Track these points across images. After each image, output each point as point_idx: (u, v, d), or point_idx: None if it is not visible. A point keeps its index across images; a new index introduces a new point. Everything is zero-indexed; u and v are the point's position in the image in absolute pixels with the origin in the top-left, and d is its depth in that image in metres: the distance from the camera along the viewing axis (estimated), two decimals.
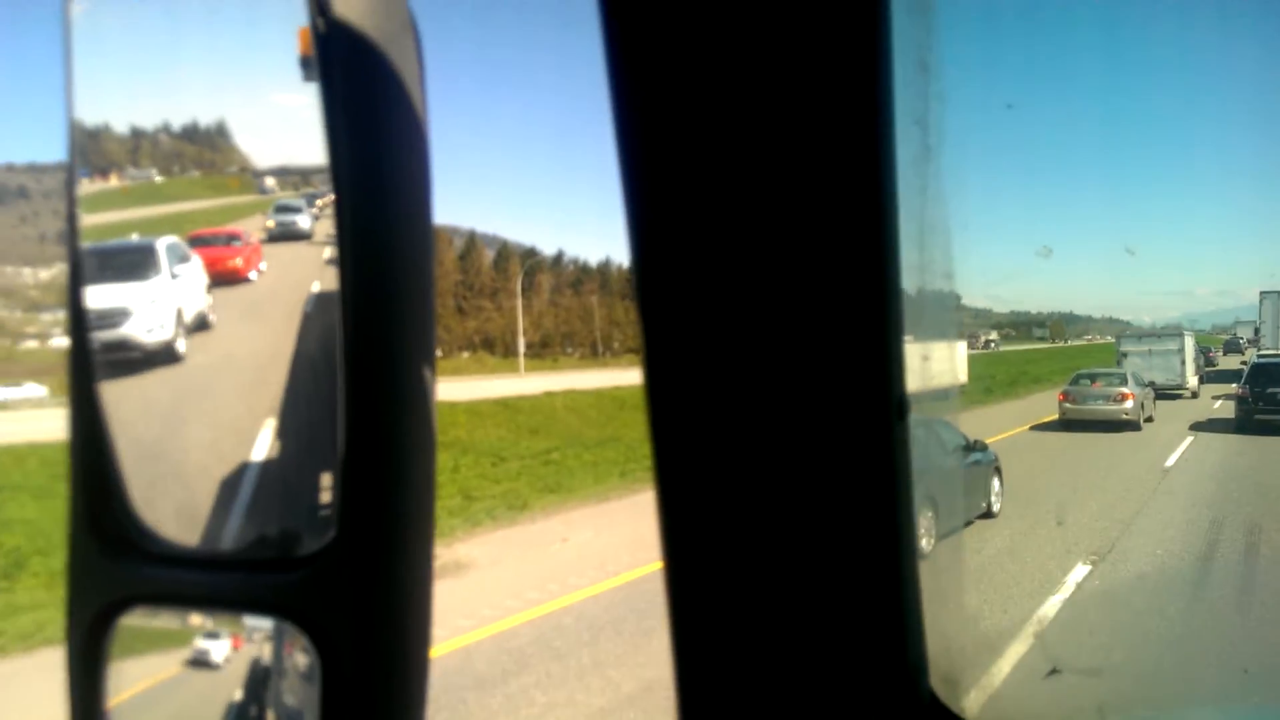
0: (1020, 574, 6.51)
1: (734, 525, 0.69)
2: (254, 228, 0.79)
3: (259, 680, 0.70)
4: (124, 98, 0.72)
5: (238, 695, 0.71)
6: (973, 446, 7.57)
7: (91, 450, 0.62)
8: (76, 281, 0.66)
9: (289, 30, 0.61)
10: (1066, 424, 12.81)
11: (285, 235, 0.81)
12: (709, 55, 0.63)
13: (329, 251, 0.89)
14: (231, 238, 0.81)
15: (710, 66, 0.63)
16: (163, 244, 0.81)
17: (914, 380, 0.72)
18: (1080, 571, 6.37)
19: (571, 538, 10.42)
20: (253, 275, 0.80)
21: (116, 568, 0.61)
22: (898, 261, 0.67)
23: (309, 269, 0.71)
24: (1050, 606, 5.52)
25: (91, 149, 0.74)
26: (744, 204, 0.65)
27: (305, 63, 0.62)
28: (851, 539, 0.70)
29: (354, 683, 0.56)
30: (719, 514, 0.69)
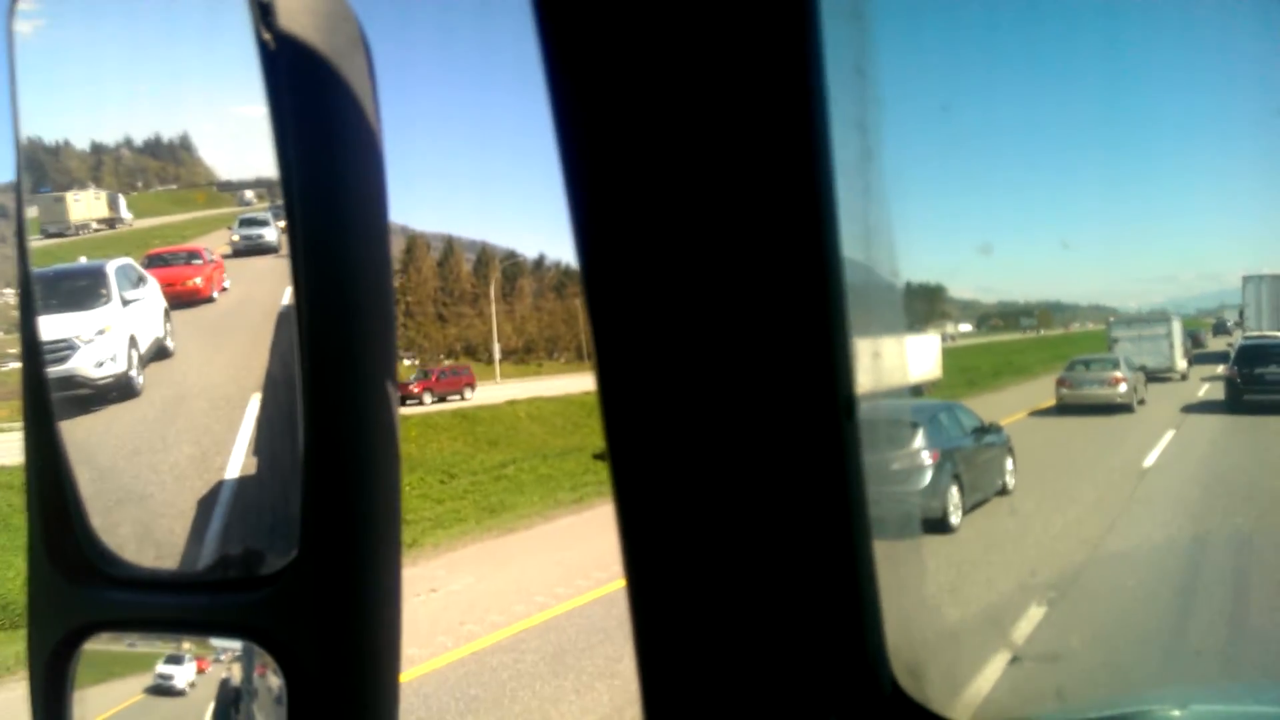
0: (982, 562, 6.41)
1: (689, 525, 0.69)
2: (218, 243, 0.78)
3: (228, 701, 0.69)
4: (84, 114, 0.71)
5: (207, 718, 0.70)
6: (988, 429, 7.72)
7: (49, 476, 0.61)
8: (27, 303, 0.65)
9: (248, 42, 0.60)
10: (1063, 408, 13.13)
11: (251, 249, 0.79)
12: (643, 60, 0.63)
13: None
14: (191, 255, 0.78)
15: (644, 72, 0.63)
16: (113, 267, 0.76)
17: (866, 378, 0.73)
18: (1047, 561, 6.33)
19: (449, 585, 8.69)
20: (215, 295, 0.76)
21: (78, 593, 0.60)
22: (840, 262, 0.68)
23: (277, 284, 0.71)
24: (1011, 596, 5.49)
25: (52, 165, 0.73)
26: (684, 208, 0.65)
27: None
28: (805, 536, 0.70)
29: (321, 700, 0.55)
30: (674, 514, 0.69)
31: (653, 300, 0.66)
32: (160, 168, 0.76)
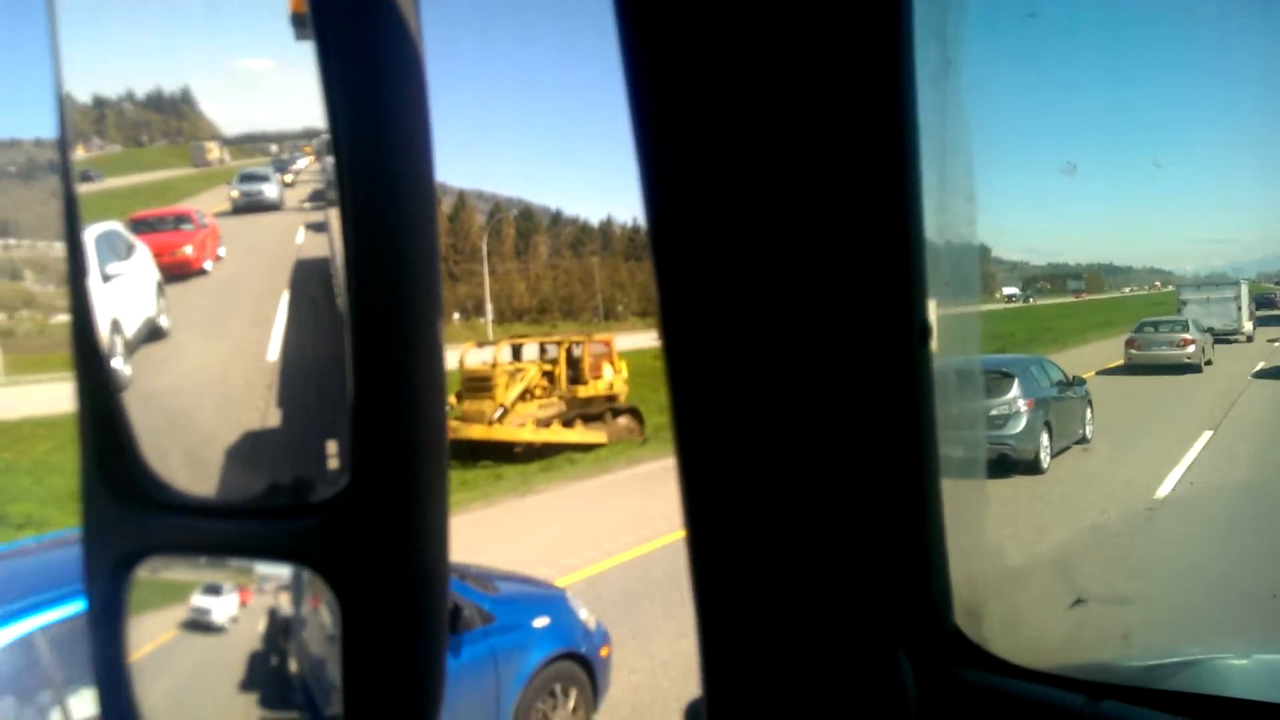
0: (1043, 505, 6.50)
1: (756, 460, 0.69)
2: (212, 203, 0.72)
3: (279, 630, 0.70)
4: (85, 67, 0.68)
5: (258, 645, 0.71)
6: (1071, 381, 8.29)
7: (99, 403, 0.61)
8: (74, 233, 0.64)
9: None
10: (1132, 368, 13.61)
11: (251, 207, 0.75)
12: None
13: (308, 218, 0.85)
14: (180, 219, 0.70)
15: None
16: (94, 234, 0.68)
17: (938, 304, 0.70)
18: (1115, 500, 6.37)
19: None
20: (208, 265, 0.70)
21: (131, 518, 0.61)
22: (919, 183, 0.66)
23: (281, 247, 0.66)
24: (1074, 536, 5.50)
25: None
26: (760, 128, 0.64)
27: (298, 20, 0.58)
28: (875, 469, 0.70)
29: (377, 625, 0.55)
30: (741, 450, 0.69)
31: (728, 223, 0.66)
32: (163, 122, 0.73)
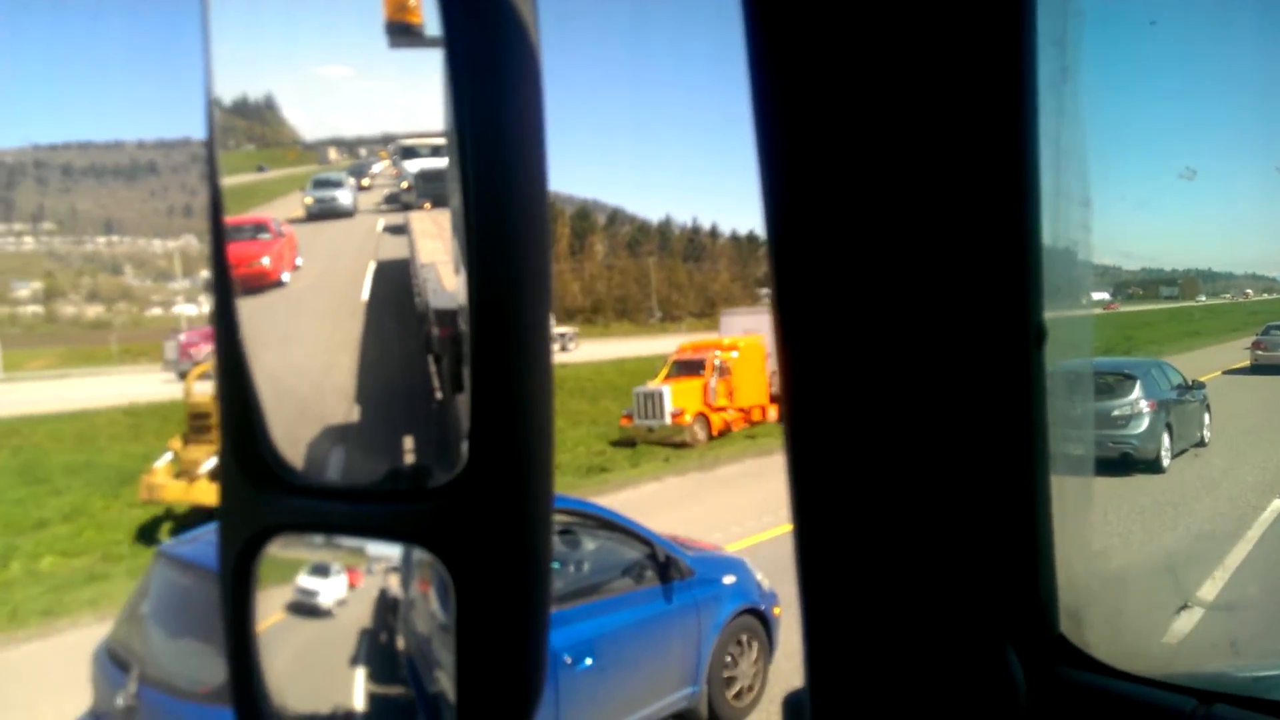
0: (1151, 507, 6.34)
1: (870, 456, 0.70)
2: (286, 209, 0.73)
3: (388, 609, 0.73)
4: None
5: (368, 623, 0.74)
6: (1191, 385, 8.09)
7: (237, 391, 0.65)
8: (218, 223, 0.67)
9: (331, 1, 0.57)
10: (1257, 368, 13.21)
11: (324, 213, 0.75)
12: None
13: (383, 221, 0.85)
14: (258, 228, 0.71)
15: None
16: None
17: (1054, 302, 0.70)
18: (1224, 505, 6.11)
19: None
20: (286, 277, 0.73)
21: (262, 498, 0.64)
22: (1038, 187, 0.66)
23: (357, 258, 0.66)
24: (1182, 541, 5.27)
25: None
26: (885, 131, 0.65)
27: (396, 28, 0.61)
28: (988, 467, 0.70)
29: (488, 605, 0.58)
30: (854, 446, 0.70)
31: (846, 223, 0.67)
32: (248, 127, 0.76)
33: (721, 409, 18.01)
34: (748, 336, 19.40)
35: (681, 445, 16.92)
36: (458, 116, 0.55)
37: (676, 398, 17.24)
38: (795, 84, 0.67)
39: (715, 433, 17.79)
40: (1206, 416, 8.69)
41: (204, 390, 11.80)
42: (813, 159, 0.68)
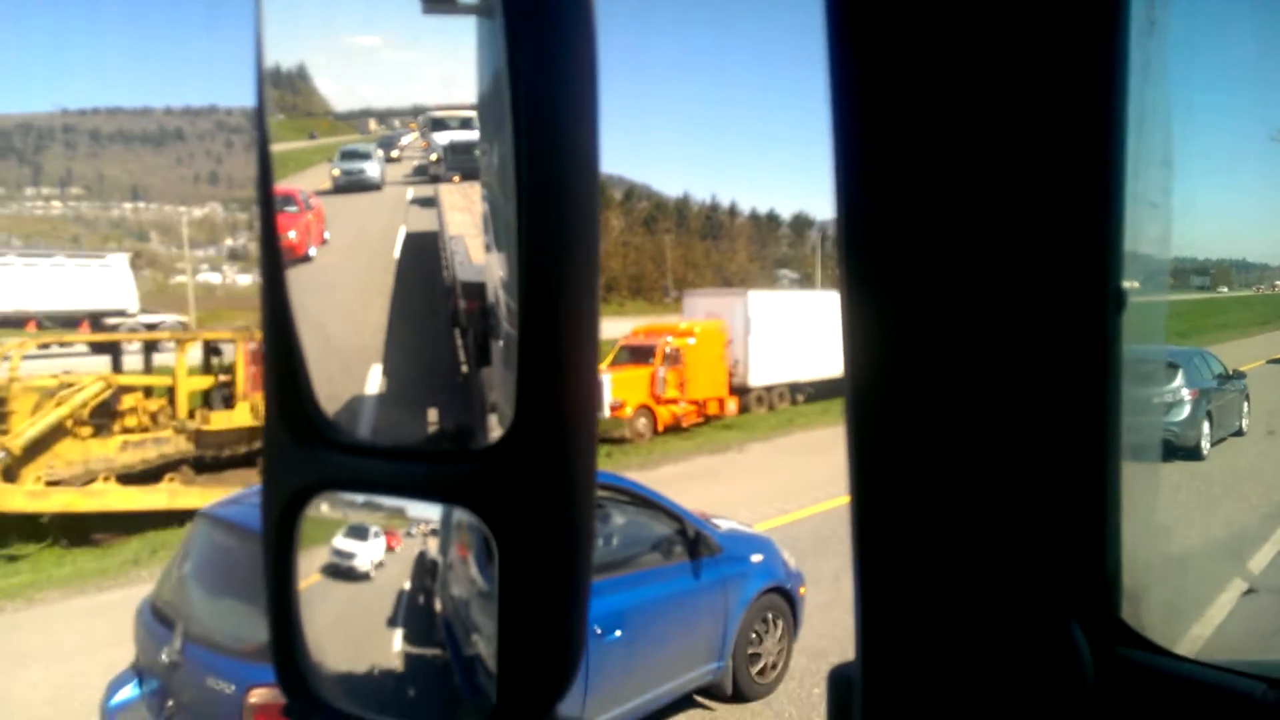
0: (1214, 490, 6.26)
1: (936, 424, 0.69)
2: (313, 181, 0.72)
3: (426, 571, 0.73)
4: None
5: (406, 585, 0.74)
6: (1231, 375, 8.30)
7: (282, 347, 0.65)
8: (267, 189, 0.67)
9: None
10: None
11: (352, 186, 0.74)
12: None
13: (412, 191, 0.84)
14: (285, 201, 0.68)
15: None
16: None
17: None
18: None
19: None
20: (312, 251, 0.71)
21: (306, 454, 0.64)
22: (1124, 147, 0.65)
23: (386, 231, 0.65)
24: (1250, 527, 5.17)
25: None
26: (964, 86, 0.64)
27: None
28: (1060, 435, 0.69)
29: (530, 567, 0.58)
30: (921, 420, 0.69)
31: (920, 186, 0.66)
32: (280, 97, 0.74)
33: (671, 401, 16.74)
34: (707, 321, 18.08)
35: (621, 441, 15.65)
36: (511, 67, 0.54)
37: (618, 388, 15.81)
38: (877, 43, 0.65)
39: (662, 427, 16.56)
40: (1245, 405, 8.75)
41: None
42: (894, 113, 0.66)
